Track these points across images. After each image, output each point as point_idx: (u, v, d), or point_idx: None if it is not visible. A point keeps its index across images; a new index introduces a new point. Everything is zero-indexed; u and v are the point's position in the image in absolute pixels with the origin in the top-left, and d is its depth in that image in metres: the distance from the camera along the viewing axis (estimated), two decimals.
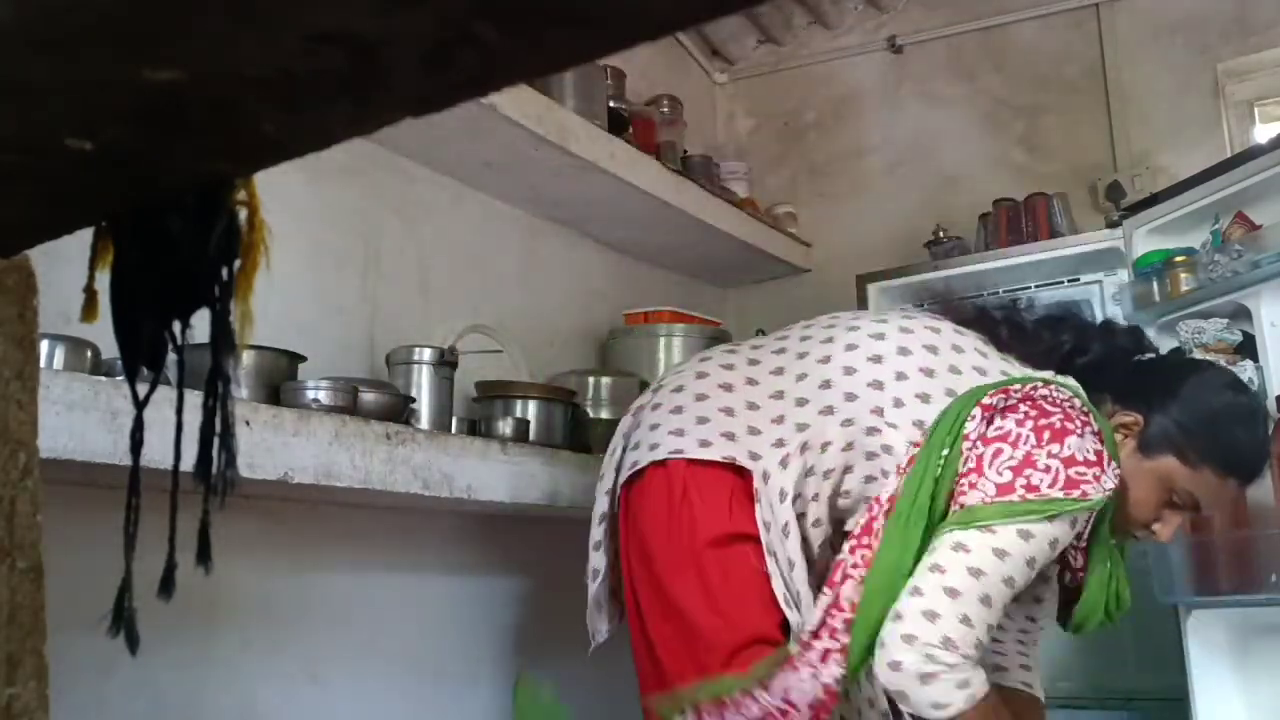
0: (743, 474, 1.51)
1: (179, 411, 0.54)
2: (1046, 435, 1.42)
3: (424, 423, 1.94)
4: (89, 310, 0.57)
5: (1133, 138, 3.06)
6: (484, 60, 0.39)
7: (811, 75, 3.62)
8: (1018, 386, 1.46)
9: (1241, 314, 2.31)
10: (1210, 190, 2.41)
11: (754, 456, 1.52)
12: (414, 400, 1.90)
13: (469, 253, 2.50)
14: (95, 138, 0.44)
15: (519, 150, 2.31)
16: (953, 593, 1.34)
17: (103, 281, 0.55)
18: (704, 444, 1.53)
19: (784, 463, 1.51)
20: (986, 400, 1.44)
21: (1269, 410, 1.63)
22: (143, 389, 0.56)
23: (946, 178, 3.32)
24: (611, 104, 2.62)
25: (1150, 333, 2.61)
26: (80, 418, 1.20)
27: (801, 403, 1.55)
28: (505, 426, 2.03)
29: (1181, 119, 3.01)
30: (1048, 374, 1.52)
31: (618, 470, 1.63)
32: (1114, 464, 1.45)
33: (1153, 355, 1.68)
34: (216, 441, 0.52)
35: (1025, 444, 1.41)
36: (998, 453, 1.42)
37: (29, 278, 0.62)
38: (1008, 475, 1.40)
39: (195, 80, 0.40)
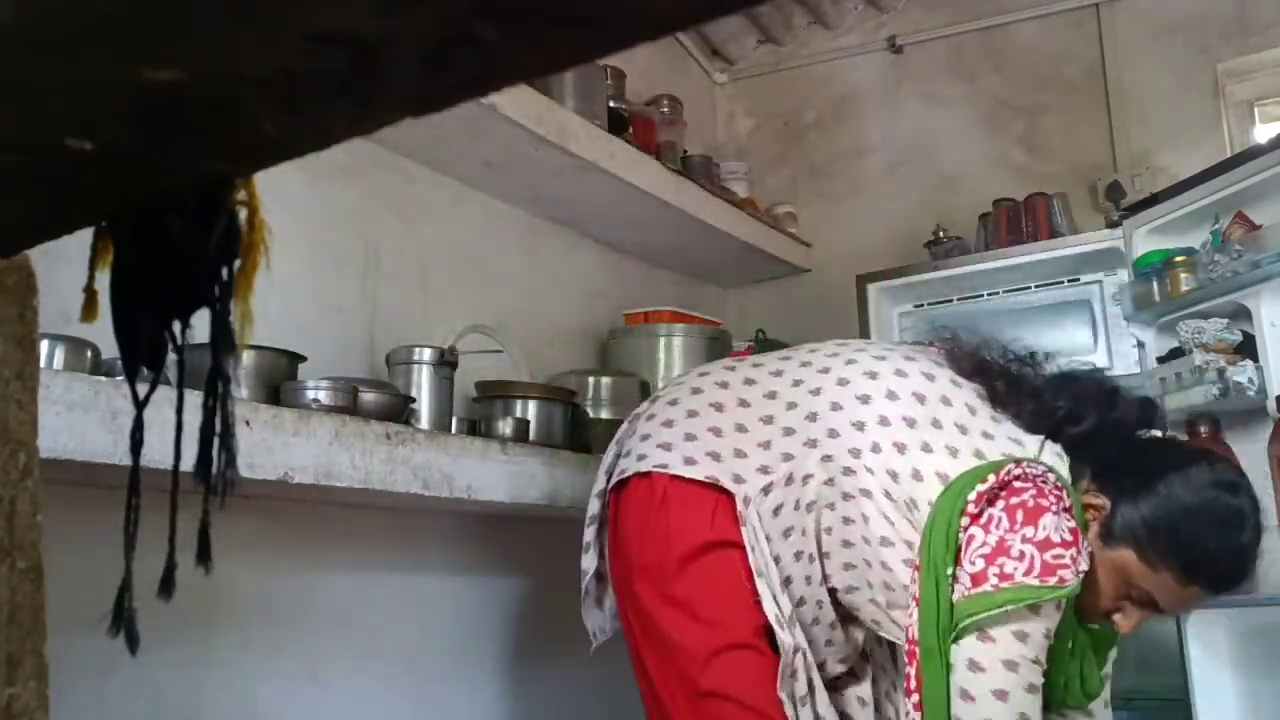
0: (727, 494, 1.52)
1: (179, 411, 0.54)
2: (1020, 515, 1.37)
3: (424, 423, 1.93)
4: (89, 310, 0.57)
5: (1133, 138, 3.06)
6: (484, 60, 0.39)
7: (811, 75, 3.62)
8: (992, 479, 1.40)
9: (1241, 314, 2.32)
10: (1210, 190, 2.41)
11: (738, 480, 1.52)
12: (414, 400, 1.90)
13: (469, 253, 2.50)
14: (95, 138, 0.44)
15: (519, 150, 2.31)
16: None
17: (103, 281, 0.55)
18: (689, 461, 1.53)
19: (766, 490, 1.51)
20: (972, 509, 1.40)
21: (1264, 518, 1.48)
22: (143, 389, 0.56)
23: (946, 178, 3.32)
24: (611, 104, 2.62)
25: (1150, 333, 2.63)
26: (80, 418, 1.20)
27: (789, 432, 1.54)
28: (505, 426, 2.03)
29: (1181, 119, 3.01)
30: (1026, 446, 1.47)
31: (609, 475, 1.65)
32: (1085, 543, 1.40)
33: (1156, 435, 1.58)
34: (216, 441, 0.52)
35: (998, 528, 1.37)
36: (970, 539, 1.39)
37: (29, 278, 0.62)
38: (980, 564, 1.37)
39: (195, 80, 0.40)
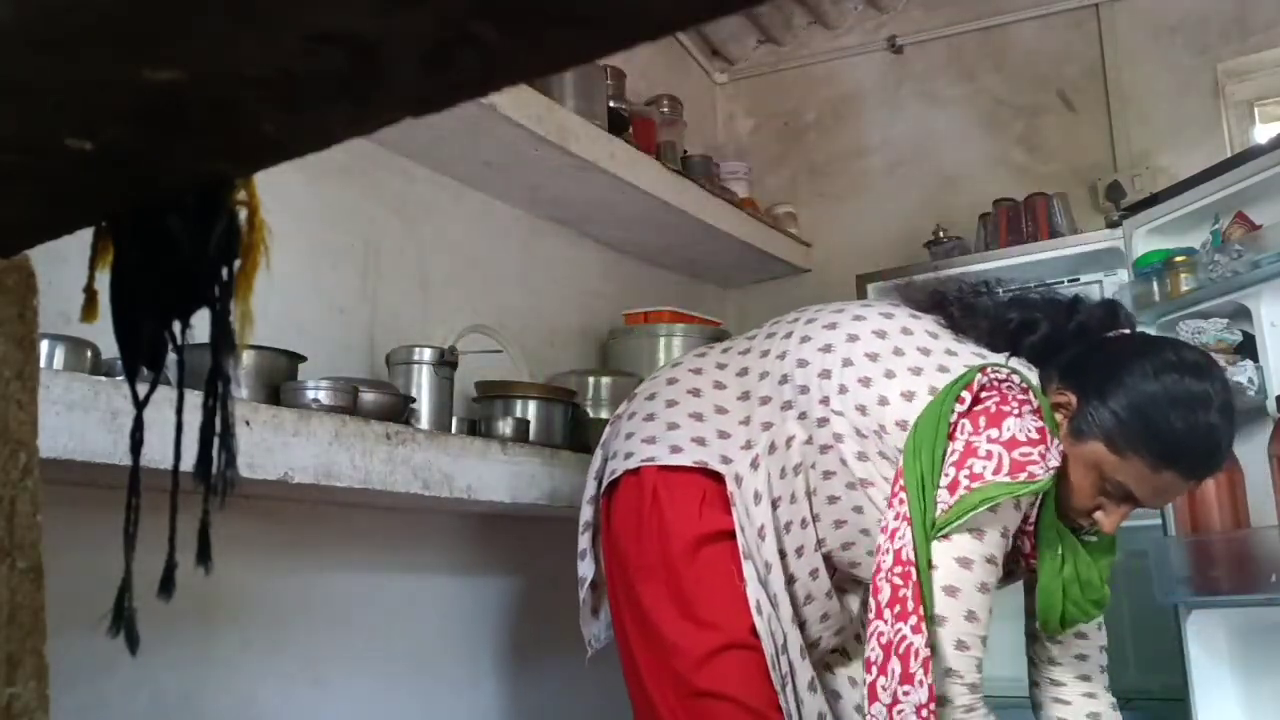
0: (716, 478, 1.52)
1: (179, 411, 0.54)
2: (983, 420, 1.39)
3: (424, 423, 1.93)
4: (89, 310, 0.57)
5: (1133, 138, 3.06)
6: (484, 60, 0.39)
7: (811, 75, 3.62)
8: (966, 396, 1.41)
9: (1241, 314, 2.31)
10: (1210, 190, 2.41)
11: (725, 460, 1.52)
12: (414, 400, 1.90)
13: (469, 253, 2.50)
14: (95, 138, 0.44)
15: (519, 150, 2.31)
16: (940, 619, 1.36)
17: (103, 281, 0.55)
18: (675, 450, 1.54)
19: (754, 464, 1.51)
20: (952, 430, 1.41)
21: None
22: (143, 389, 0.55)
23: (946, 178, 3.32)
24: (611, 104, 2.62)
25: (1150, 333, 2.63)
26: (80, 418, 1.20)
27: (765, 401, 1.56)
28: (505, 426, 2.03)
29: (1181, 119, 3.01)
30: (991, 358, 1.49)
31: (599, 480, 1.65)
32: (1056, 441, 1.41)
33: (1124, 333, 1.57)
34: (216, 441, 0.52)
35: (964, 433, 1.40)
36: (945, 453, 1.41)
37: (29, 278, 0.62)
38: (952, 473, 1.38)
39: (195, 80, 0.40)
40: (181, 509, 0.54)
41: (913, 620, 1.34)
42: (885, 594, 1.37)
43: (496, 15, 0.36)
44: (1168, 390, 1.41)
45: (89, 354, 1.40)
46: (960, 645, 1.35)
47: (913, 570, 1.36)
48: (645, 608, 1.50)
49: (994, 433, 1.38)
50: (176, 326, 0.54)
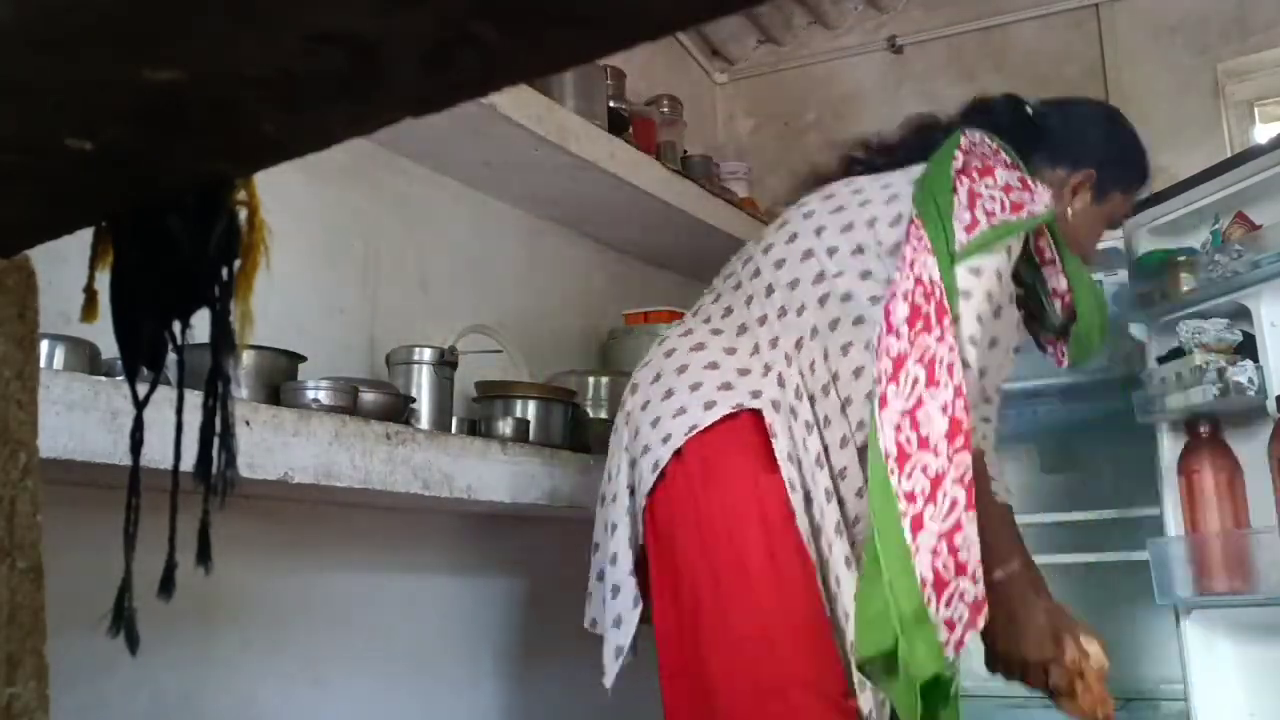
0: (752, 417, 1.49)
1: (179, 411, 0.54)
2: (976, 173, 1.51)
3: (424, 423, 1.94)
4: (89, 310, 0.57)
5: None
6: (484, 60, 0.39)
7: (811, 75, 3.62)
8: (957, 154, 1.52)
9: (1241, 314, 2.31)
10: (1210, 190, 2.40)
11: (755, 394, 1.51)
12: (414, 400, 1.90)
13: (469, 253, 2.50)
14: (95, 138, 0.44)
15: (519, 150, 2.31)
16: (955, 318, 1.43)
17: (103, 281, 0.55)
18: (709, 405, 1.50)
19: (781, 383, 1.52)
20: (954, 184, 1.50)
21: None
22: (143, 389, 0.56)
23: None
24: (611, 104, 2.62)
25: (1150, 333, 2.64)
26: (80, 418, 1.20)
27: (762, 321, 1.57)
28: (505, 426, 2.03)
29: (1181, 119, 3.01)
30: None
31: (632, 489, 1.55)
32: (1038, 185, 1.55)
33: (1037, 106, 1.76)
34: (216, 441, 0.52)
35: (964, 184, 1.49)
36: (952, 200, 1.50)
37: (29, 278, 0.62)
38: (967, 215, 1.46)
39: (195, 80, 0.40)
40: (181, 509, 0.54)
41: (936, 332, 1.38)
42: (902, 312, 1.41)
43: (496, 15, 0.36)
44: (1129, 130, 1.80)
45: (89, 354, 1.40)
46: (972, 340, 1.42)
47: (936, 290, 1.40)
48: (725, 610, 1.43)
49: (990, 180, 1.51)
50: (176, 326, 0.54)
